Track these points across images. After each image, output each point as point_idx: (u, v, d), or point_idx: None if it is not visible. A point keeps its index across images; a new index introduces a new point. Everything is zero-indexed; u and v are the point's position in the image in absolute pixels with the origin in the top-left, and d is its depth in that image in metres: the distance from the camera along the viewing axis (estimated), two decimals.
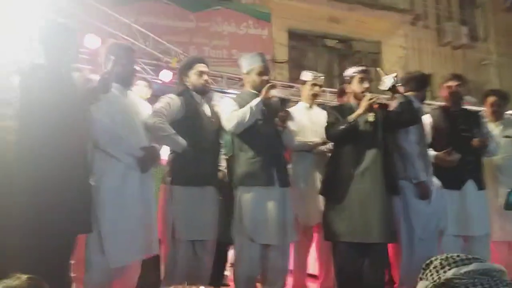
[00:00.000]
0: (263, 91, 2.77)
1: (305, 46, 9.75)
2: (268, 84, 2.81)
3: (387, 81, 2.86)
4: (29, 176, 2.11)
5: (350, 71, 2.98)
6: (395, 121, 2.88)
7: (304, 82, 3.45)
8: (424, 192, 2.94)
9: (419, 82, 3.19)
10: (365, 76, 2.92)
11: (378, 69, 3.08)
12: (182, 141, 2.70)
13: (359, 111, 2.81)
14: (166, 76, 5.45)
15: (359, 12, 9.62)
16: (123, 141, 2.51)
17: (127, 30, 5.20)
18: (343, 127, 2.82)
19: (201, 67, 2.91)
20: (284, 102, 2.89)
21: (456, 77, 3.38)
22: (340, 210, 2.79)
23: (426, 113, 3.43)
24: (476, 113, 3.60)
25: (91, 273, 2.41)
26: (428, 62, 10.31)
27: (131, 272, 2.59)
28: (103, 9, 4.95)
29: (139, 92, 3.47)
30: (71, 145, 2.24)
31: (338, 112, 2.94)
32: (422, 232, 2.96)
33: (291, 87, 6.75)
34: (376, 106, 2.82)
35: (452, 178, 3.16)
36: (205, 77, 2.91)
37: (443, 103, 3.49)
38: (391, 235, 2.80)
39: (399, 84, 3.02)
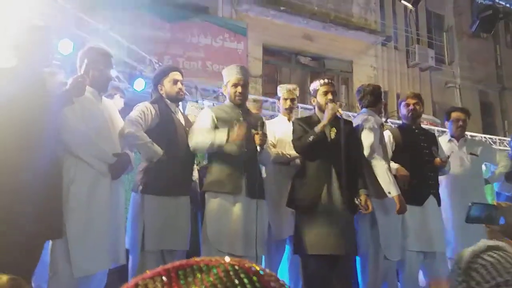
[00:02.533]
0: (232, 136, 2.73)
1: (279, 62, 9.92)
2: (241, 127, 2.77)
3: None
4: None
5: (314, 85, 3.06)
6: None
7: (279, 98, 3.52)
8: (401, 206, 2.95)
9: (373, 96, 3.25)
10: (329, 88, 2.99)
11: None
12: (158, 149, 2.69)
13: (325, 121, 2.87)
14: (139, 84, 5.42)
15: (332, 31, 9.88)
16: (95, 146, 2.48)
17: (101, 37, 5.15)
18: (310, 139, 2.85)
19: (176, 75, 2.92)
20: (262, 123, 2.91)
21: (414, 95, 3.48)
22: (309, 224, 2.83)
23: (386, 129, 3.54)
24: (432, 132, 3.78)
25: (55, 282, 2.33)
26: (397, 82, 10.68)
27: (97, 282, 2.54)
28: (79, 14, 4.90)
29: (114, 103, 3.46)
30: (42, 149, 2.20)
31: (305, 125, 2.98)
32: (388, 249, 3.01)
33: (265, 101, 6.83)
34: (340, 112, 2.87)
35: (415, 194, 3.21)
36: (179, 85, 2.92)
37: (402, 121, 3.59)
38: (354, 248, 2.86)
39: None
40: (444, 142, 3.81)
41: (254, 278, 0.39)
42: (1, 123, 2.14)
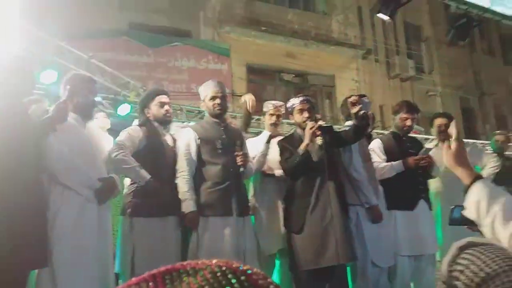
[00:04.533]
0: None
1: (263, 80, 10.05)
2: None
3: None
4: None
5: (290, 103, 3.09)
6: (342, 139, 2.98)
7: (264, 113, 3.56)
8: (376, 216, 3.03)
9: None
10: (304, 106, 3.00)
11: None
12: (145, 173, 2.69)
13: (305, 141, 2.87)
14: (124, 109, 5.45)
15: (314, 48, 10.07)
16: (81, 172, 2.48)
17: (84, 64, 5.20)
18: (296, 161, 2.86)
19: (163, 98, 2.95)
20: (242, 141, 2.94)
21: (413, 110, 3.46)
22: (300, 240, 2.84)
23: (374, 138, 3.60)
24: (419, 140, 3.86)
25: None
26: (379, 93, 10.86)
27: None
28: (60, 44, 4.94)
29: (99, 124, 3.52)
30: (26, 178, 2.19)
31: (289, 144, 3.00)
32: (377, 256, 3.03)
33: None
34: (318, 132, 2.85)
35: (405, 199, 3.27)
36: (166, 107, 2.94)
37: (392, 130, 3.66)
38: (352, 254, 2.84)
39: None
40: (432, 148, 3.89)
41: (242, 277, 0.39)
42: None
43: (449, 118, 3.96)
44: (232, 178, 2.82)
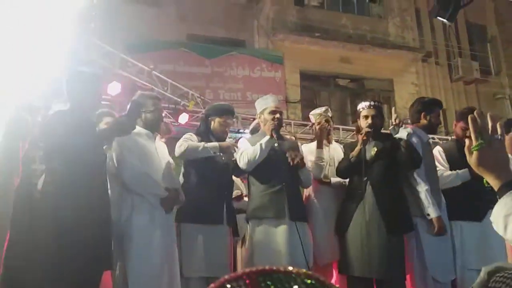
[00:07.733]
0: (268, 128, 2.89)
1: (317, 86, 9.97)
2: (273, 123, 2.90)
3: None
4: (53, 215, 2.21)
5: (358, 106, 3.06)
6: (398, 161, 2.90)
7: (313, 123, 3.53)
8: (439, 228, 2.84)
9: (413, 113, 3.20)
10: (369, 112, 2.94)
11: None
12: (214, 145, 2.87)
13: (358, 146, 2.88)
14: (183, 118, 5.65)
15: (370, 52, 9.85)
16: (151, 182, 2.65)
17: (146, 76, 5.46)
18: (345, 163, 2.93)
19: (228, 119, 3.10)
20: (296, 148, 2.96)
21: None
22: (346, 244, 2.82)
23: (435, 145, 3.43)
24: None
25: None
26: (441, 98, 10.36)
27: None
28: (124, 57, 5.23)
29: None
30: (93, 185, 2.34)
31: (350, 150, 2.99)
32: (437, 271, 2.87)
33: (304, 125, 6.87)
34: (364, 138, 2.85)
35: (473, 210, 3.06)
36: (226, 129, 3.10)
37: (457, 138, 3.47)
38: (392, 272, 2.71)
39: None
40: None
41: None
42: (55, 162, 2.31)
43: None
44: (284, 182, 2.85)
